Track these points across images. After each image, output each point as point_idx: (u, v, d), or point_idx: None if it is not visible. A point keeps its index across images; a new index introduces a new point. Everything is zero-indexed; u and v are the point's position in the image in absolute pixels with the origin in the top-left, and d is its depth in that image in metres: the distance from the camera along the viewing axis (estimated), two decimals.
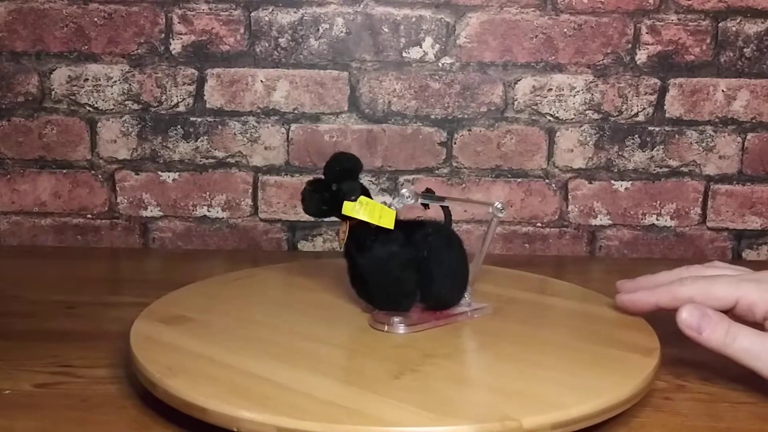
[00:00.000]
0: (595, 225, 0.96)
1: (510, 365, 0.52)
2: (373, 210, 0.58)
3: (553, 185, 0.95)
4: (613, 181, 0.95)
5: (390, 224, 0.58)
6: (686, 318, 0.53)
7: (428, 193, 0.61)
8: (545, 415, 0.44)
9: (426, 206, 0.61)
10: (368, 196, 0.59)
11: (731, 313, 0.55)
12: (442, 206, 0.62)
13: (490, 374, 0.51)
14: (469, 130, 0.94)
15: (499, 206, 0.61)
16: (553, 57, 0.92)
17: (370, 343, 0.56)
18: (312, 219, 0.94)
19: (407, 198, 0.59)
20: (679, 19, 0.92)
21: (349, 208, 0.58)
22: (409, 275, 0.59)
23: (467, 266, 0.62)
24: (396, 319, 0.59)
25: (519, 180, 0.95)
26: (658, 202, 0.95)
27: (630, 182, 0.95)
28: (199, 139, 0.94)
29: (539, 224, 0.96)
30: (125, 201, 0.95)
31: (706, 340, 0.53)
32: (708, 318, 0.53)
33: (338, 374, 0.51)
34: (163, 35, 0.92)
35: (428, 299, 0.60)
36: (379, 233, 0.59)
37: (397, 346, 0.55)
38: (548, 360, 0.53)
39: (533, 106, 0.93)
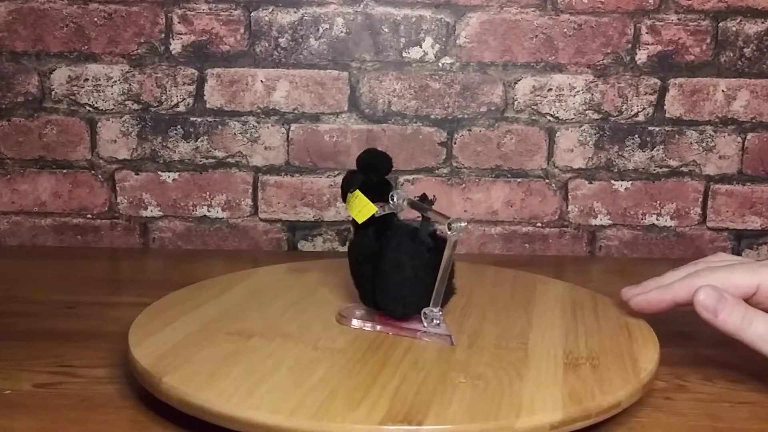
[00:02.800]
0: (595, 225, 0.96)
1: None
2: (357, 204, 0.59)
3: (553, 185, 0.95)
4: (613, 181, 0.95)
5: (360, 219, 0.59)
6: (703, 299, 0.52)
7: (421, 200, 0.60)
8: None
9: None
10: (384, 192, 0.60)
11: (749, 301, 0.54)
12: (423, 216, 0.59)
13: (316, 373, 0.51)
14: (469, 130, 0.94)
15: (454, 225, 0.55)
16: (553, 57, 0.92)
17: (306, 331, 0.58)
18: (312, 219, 0.95)
19: (391, 204, 0.60)
20: (679, 19, 0.92)
21: (346, 199, 0.61)
22: (364, 271, 0.59)
23: (422, 281, 0.57)
24: (357, 313, 0.60)
25: (519, 180, 0.95)
26: (658, 202, 0.95)
27: (630, 182, 0.95)
28: (199, 139, 0.94)
29: (539, 224, 0.96)
30: (125, 201, 0.95)
31: (722, 323, 0.52)
32: (725, 301, 0.52)
33: (226, 348, 0.55)
34: (163, 35, 0.92)
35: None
36: (368, 226, 0.60)
37: (317, 335, 0.57)
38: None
39: (533, 106, 0.93)
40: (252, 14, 0.92)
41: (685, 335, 0.62)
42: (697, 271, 0.57)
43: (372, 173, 0.61)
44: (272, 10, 0.92)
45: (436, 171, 0.94)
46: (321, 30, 0.92)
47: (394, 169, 0.93)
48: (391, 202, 0.59)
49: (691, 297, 0.54)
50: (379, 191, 0.60)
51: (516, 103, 0.93)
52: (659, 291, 0.57)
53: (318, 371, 0.51)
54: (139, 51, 0.92)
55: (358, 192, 0.59)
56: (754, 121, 0.94)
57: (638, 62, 0.92)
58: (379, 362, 0.53)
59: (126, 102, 0.93)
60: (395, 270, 0.57)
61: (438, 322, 0.57)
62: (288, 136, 0.94)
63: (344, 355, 0.54)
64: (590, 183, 0.95)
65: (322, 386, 0.49)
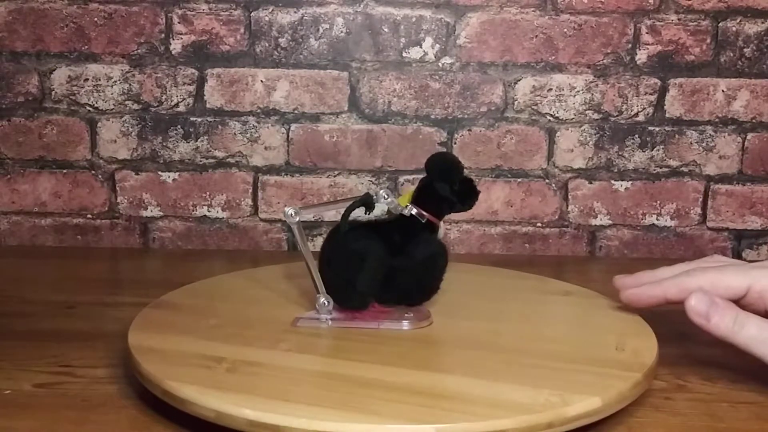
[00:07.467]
0: (595, 225, 0.96)
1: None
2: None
3: (553, 185, 0.95)
4: (613, 181, 0.95)
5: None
6: (695, 305, 0.53)
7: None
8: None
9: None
10: (432, 194, 0.62)
11: (741, 302, 0.54)
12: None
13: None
14: (469, 130, 0.94)
15: (289, 212, 0.61)
16: (553, 57, 0.92)
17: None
18: (312, 219, 0.95)
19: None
20: (679, 19, 0.92)
21: None
22: None
23: (333, 271, 0.60)
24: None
25: (519, 180, 0.95)
26: (658, 202, 0.95)
27: (630, 182, 0.95)
28: (199, 139, 0.94)
29: (539, 224, 0.96)
30: (125, 201, 0.95)
31: (715, 327, 0.52)
32: (716, 305, 0.52)
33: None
34: (163, 35, 0.92)
35: None
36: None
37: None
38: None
39: (533, 106, 0.93)
40: (252, 14, 0.92)
41: (685, 335, 0.62)
42: (689, 271, 0.57)
43: (427, 176, 0.63)
44: (272, 10, 0.92)
45: None
46: (321, 30, 0.92)
47: (393, 169, 0.94)
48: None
49: (680, 295, 0.55)
50: (431, 193, 0.62)
51: (516, 103, 0.93)
52: (650, 287, 0.58)
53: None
54: (139, 51, 0.92)
55: (410, 190, 0.63)
56: (754, 121, 0.94)
57: (638, 62, 0.92)
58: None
59: (126, 102, 0.93)
60: (335, 271, 0.60)
61: (322, 310, 0.60)
62: (288, 136, 0.94)
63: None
64: (590, 183, 0.95)
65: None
